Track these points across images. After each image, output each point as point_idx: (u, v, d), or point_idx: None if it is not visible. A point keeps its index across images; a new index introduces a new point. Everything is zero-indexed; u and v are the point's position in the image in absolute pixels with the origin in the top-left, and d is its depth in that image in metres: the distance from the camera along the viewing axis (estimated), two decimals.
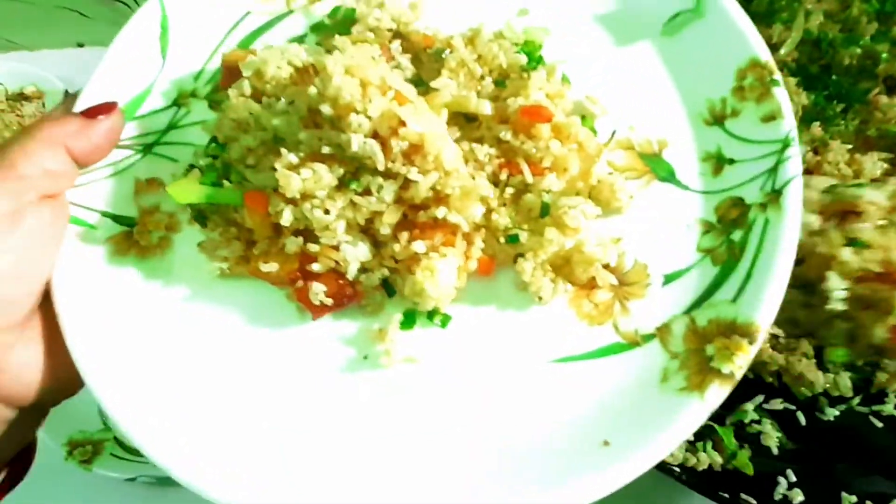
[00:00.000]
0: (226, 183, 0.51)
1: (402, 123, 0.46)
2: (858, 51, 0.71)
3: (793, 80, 0.72)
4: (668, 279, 0.51)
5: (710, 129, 0.55)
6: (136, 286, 0.53)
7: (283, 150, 0.47)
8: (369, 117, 0.46)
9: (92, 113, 0.53)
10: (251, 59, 0.54)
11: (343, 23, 0.59)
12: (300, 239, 0.49)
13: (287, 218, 0.48)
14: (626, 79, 0.58)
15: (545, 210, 0.52)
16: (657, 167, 0.55)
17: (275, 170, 0.49)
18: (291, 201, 0.48)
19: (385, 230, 0.49)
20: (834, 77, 0.72)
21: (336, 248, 0.50)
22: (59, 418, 0.97)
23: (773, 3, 0.75)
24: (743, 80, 0.54)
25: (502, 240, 0.52)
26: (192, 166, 0.56)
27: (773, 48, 0.71)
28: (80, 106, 0.56)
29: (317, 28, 0.62)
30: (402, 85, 0.50)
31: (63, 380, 0.51)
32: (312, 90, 0.48)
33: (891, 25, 0.73)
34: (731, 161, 0.53)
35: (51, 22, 1.30)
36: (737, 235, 0.51)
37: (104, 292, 0.52)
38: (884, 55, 0.71)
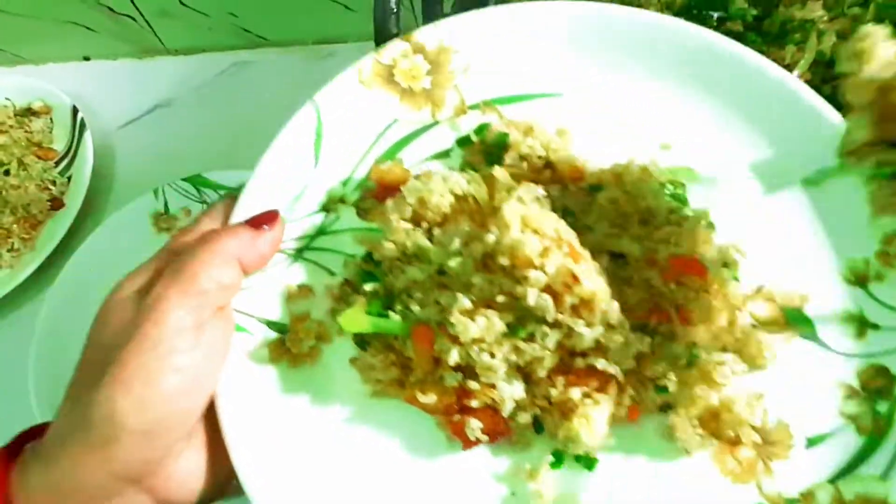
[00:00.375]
0: (390, 313, 0.53)
1: (577, 280, 0.48)
2: None
3: None
4: (811, 442, 0.52)
5: (852, 289, 0.56)
6: (289, 395, 0.55)
7: (459, 295, 0.49)
8: (546, 273, 0.48)
9: (258, 222, 0.55)
10: (414, 185, 0.56)
11: (494, 147, 0.61)
12: (459, 374, 0.51)
13: (454, 358, 0.49)
14: (765, 225, 0.59)
15: (692, 362, 0.53)
16: (799, 322, 0.56)
17: (438, 303, 0.51)
18: (459, 342, 0.49)
19: (542, 373, 0.51)
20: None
21: (493, 385, 0.51)
22: None
23: (786, 23, 0.75)
24: (889, 245, 0.56)
25: (651, 388, 0.53)
26: (346, 280, 0.57)
27: (786, 69, 0.70)
28: (241, 209, 0.57)
29: (463, 142, 0.64)
30: (571, 236, 0.51)
31: (220, 483, 0.52)
32: (490, 238, 0.49)
33: None
34: (876, 326, 0.54)
35: (57, 36, 1.33)
36: (882, 407, 0.52)
37: (261, 399, 0.54)
38: None
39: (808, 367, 0.55)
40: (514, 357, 0.50)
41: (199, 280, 0.50)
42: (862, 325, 0.55)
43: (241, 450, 0.51)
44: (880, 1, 0.74)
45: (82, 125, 1.25)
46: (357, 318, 0.52)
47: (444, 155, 0.64)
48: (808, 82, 0.73)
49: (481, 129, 0.63)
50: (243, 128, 1.25)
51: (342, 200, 0.61)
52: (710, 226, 0.59)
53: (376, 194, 0.61)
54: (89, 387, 0.47)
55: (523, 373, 0.52)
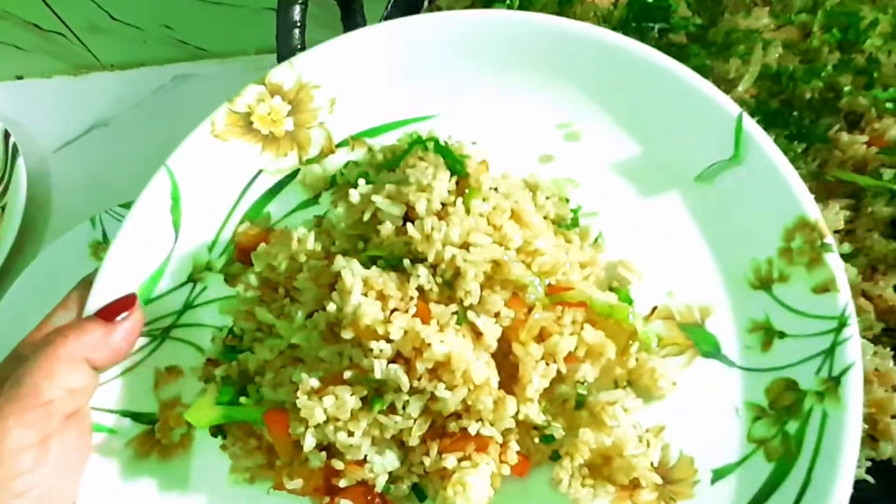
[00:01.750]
0: (243, 398, 0.49)
1: (426, 344, 0.43)
2: (820, 84, 0.66)
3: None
4: (718, 475, 0.47)
5: (756, 294, 0.51)
6: (160, 493, 0.51)
7: (304, 376, 0.45)
8: (391, 340, 0.44)
9: (110, 313, 0.51)
10: (261, 251, 0.52)
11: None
12: (323, 454, 0.47)
13: (310, 443, 0.45)
14: (658, 235, 0.54)
15: (580, 403, 0.49)
16: (700, 340, 0.51)
17: (293, 383, 0.47)
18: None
19: (413, 441, 0.47)
20: (795, 113, 0.67)
21: (363, 460, 0.47)
22: None
23: (730, 34, 0.70)
24: (790, 241, 0.50)
25: (537, 439, 0.49)
26: (209, 360, 0.54)
27: (731, 84, 0.67)
28: (96, 296, 0.54)
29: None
30: (422, 292, 0.47)
31: None
32: (332, 307, 0.45)
33: (853, 54, 0.68)
34: (782, 335, 0.49)
35: None
36: (792, 427, 0.47)
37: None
38: (846, 88, 0.66)
39: (712, 389, 0.50)
40: (377, 431, 0.46)
41: (41, 391, 0.46)
42: (768, 334, 0.50)
43: None
44: (828, 7, 0.70)
45: (15, 150, 1.19)
46: (205, 411, 0.49)
47: (314, 202, 0.60)
48: (754, 97, 0.68)
49: (346, 166, 0.59)
50: None
51: (209, 268, 0.58)
52: (598, 243, 0.54)
53: (241, 258, 0.57)
54: None
55: (397, 440, 0.48)
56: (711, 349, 0.51)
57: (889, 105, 0.65)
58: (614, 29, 0.73)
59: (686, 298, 0.52)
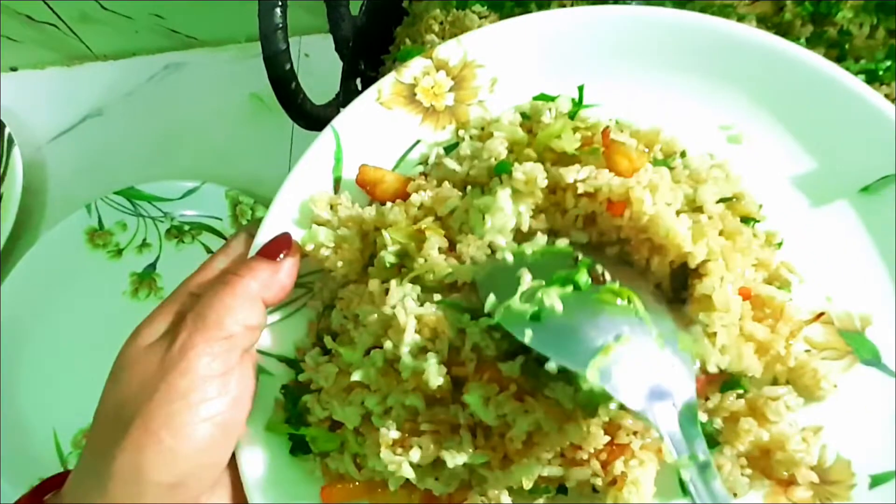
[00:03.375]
0: None
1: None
2: None
3: None
4: (876, 481, 0.48)
5: None
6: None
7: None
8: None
9: (272, 252, 0.53)
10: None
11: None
12: None
13: None
14: (819, 240, 0.54)
15: (738, 389, 0.49)
16: (860, 348, 0.51)
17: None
18: None
19: None
20: None
21: None
22: (18, 464, 0.98)
23: (706, 9, 0.69)
24: None
25: None
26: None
27: None
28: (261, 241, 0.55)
29: None
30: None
31: None
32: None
33: (826, 27, 0.69)
34: None
35: None
36: None
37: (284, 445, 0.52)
38: None
39: (871, 396, 0.50)
40: None
41: (225, 324, 0.48)
42: None
43: (258, 496, 0.49)
44: None
45: (10, 141, 1.22)
46: None
47: None
48: None
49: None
50: (178, 133, 1.23)
51: None
52: (771, 242, 0.54)
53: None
54: (111, 440, 0.45)
55: None
56: (871, 357, 0.51)
57: (861, 77, 0.63)
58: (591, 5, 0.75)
59: (846, 305, 0.52)
